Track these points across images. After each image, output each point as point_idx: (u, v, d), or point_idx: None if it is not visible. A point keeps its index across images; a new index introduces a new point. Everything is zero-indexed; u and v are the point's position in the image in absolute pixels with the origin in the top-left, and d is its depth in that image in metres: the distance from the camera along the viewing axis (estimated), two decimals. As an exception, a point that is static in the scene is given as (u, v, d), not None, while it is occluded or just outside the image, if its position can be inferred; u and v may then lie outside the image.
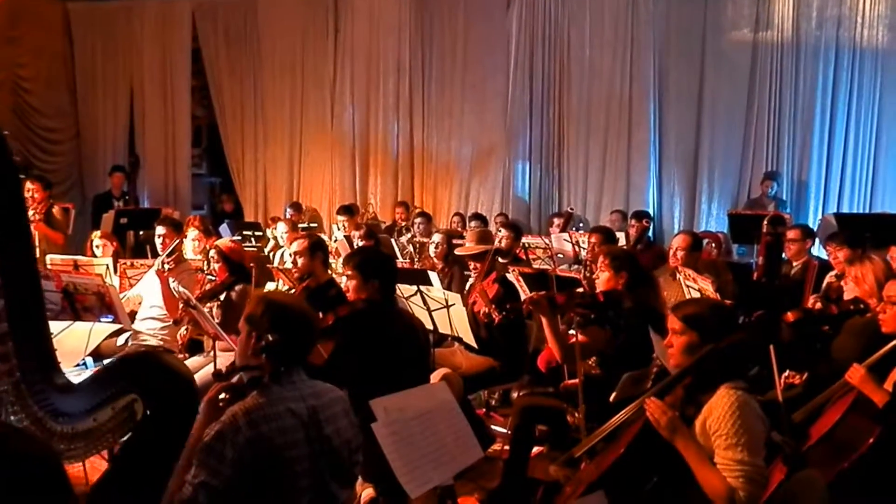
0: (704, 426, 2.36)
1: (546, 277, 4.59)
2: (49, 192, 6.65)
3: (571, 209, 8.39)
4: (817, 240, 6.16)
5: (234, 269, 4.35)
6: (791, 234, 5.66)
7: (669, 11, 8.66)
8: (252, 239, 7.65)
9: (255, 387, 2.11)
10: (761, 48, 8.35)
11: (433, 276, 5.08)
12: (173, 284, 4.21)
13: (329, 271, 4.62)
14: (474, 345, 4.39)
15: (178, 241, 4.97)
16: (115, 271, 5.07)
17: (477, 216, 8.42)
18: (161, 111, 10.86)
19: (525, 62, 9.30)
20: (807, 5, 8.16)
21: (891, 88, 7.95)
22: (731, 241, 7.58)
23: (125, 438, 2.33)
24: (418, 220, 7.96)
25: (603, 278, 3.74)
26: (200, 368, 4.11)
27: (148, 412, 2.31)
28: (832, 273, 4.73)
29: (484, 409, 5.07)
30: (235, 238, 6.64)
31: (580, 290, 4.39)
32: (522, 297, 4.40)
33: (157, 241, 5.36)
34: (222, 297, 4.29)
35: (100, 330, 3.65)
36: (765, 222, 5.94)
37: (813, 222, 7.78)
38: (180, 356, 4.26)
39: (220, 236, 6.61)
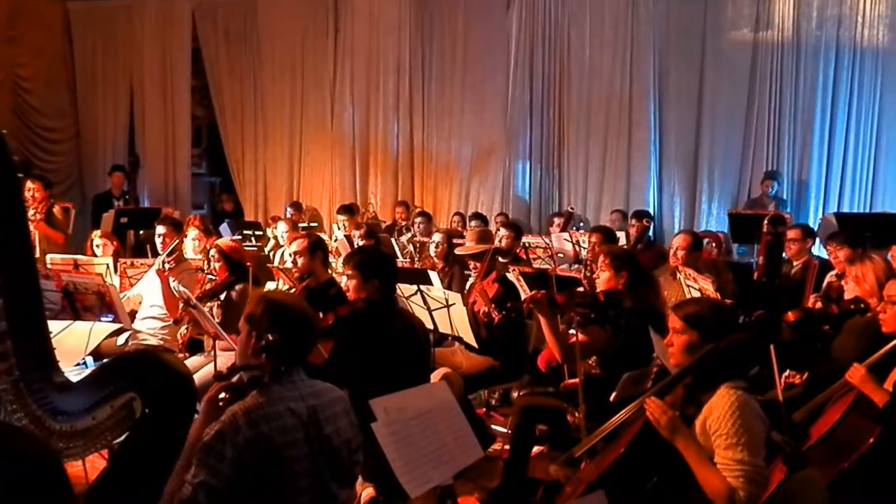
0: (704, 426, 2.36)
1: (546, 277, 4.59)
2: (49, 192, 6.65)
3: (572, 209, 8.38)
4: (818, 239, 6.16)
5: (234, 269, 4.35)
6: (791, 233, 5.66)
7: (669, 11, 8.65)
8: (252, 238, 7.65)
9: (255, 386, 2.11)
10: (761, 48, 8.34)
11: (433, 275, 5.07)
12: (173, 284, 4.20)
13: (329, 271, 4.62)
14: (474, 344, 4.39)
15: (178, 240, 4.97)
16: (116, 271, 5.08)
17: (477, 216, 8.42)
18: (161, 111, 10.85)
19: (525, 62, 9.29)
20: (807, 5, 8.16)
21: (891, 88, 7.95)
22: (731, 241, 7.57)
23: (123, 437, 2.33)
24: (418, 219, 7.96)
25: (603, 278, 3.73)
26: (200, 368, 4.11)
27: (146, 410, 2.31)
28: (832, 273, 4.72)
29: (484, 409, 5.07)
30: (236, 237, 6.64)
31: (580, 289, 4.37)
32: (522, 296, 4.40)
33: (158, 241, 5.36)
34: (222, 296, 4.30)
35: (100, 329, 3.64)
36: (765, 222, 5.92)
37: (813, 222, 7.77)
38: (180, 355, 4.25)
39: (220, 236, 6.61)
